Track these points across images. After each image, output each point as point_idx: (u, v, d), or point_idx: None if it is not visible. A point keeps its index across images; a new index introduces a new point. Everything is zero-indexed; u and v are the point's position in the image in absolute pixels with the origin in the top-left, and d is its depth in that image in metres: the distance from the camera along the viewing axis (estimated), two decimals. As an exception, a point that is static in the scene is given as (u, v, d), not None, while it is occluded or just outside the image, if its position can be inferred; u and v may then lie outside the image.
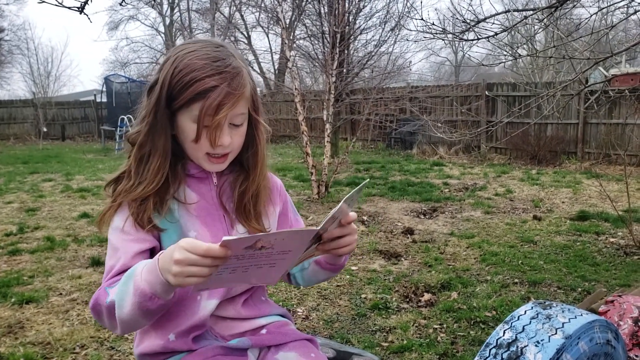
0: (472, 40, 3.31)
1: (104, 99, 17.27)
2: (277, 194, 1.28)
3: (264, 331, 1.22)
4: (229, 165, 1.15)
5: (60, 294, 3.62)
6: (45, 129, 17.28)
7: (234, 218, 1.17)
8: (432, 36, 3.35)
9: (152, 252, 1.09)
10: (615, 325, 2.23)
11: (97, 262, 4.23)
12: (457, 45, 29.92)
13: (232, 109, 1.04)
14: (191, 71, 1.02)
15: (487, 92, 11.57)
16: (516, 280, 3.82)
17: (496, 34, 3.19)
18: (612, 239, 4.89)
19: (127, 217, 1.07)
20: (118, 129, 14.17)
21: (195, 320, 1.12)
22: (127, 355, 2.74)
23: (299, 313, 3.27)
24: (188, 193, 1.14)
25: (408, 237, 5.00)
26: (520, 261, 4.25)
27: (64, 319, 3.20)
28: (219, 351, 1.12)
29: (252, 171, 1.17)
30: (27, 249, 4.66)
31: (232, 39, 16.91)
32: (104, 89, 16.86)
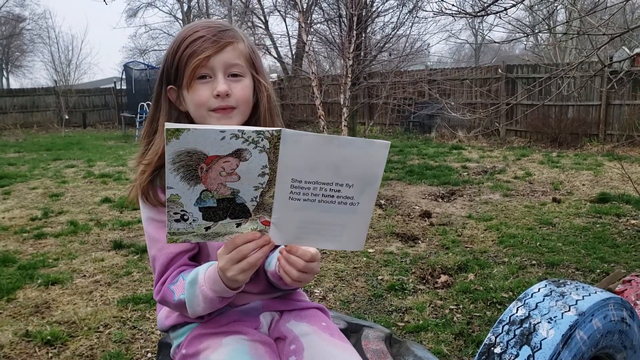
0: (482, 15, 3.26)
1: (124, 86, 17.46)
2: None
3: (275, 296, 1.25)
4: None
5: (84, 275, 3.72)
6: (67, 117, 17.55)
7: None
8: (447, 15, 3.31)
9: None
10: (632, 304, 2.21)
11: (118, 246, 4.33)
12: (476, 27, 29.38)
13: (220, 54, 1.07)
14: (185, 38, 1.08)
15: (500, 71, 11.37)
16: (534, 262, 3.81)
17: (506, 9, 3.15)
18: (633, 221, 4.82)
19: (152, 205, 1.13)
20: (138, 115, 14.32)
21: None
22: (148, 334, 2.82)
23: (316, 294, 3.31)
24: None
25: (425, 220, 5.00)
26: (538, 243, 4.22)
27: (88, 299, 3.30)
28: (233, 317, 1.16)
29: None
30: (51, 233, 4.79)
31: (249, 24, 16.88)
32: (124, 77, 17.03)
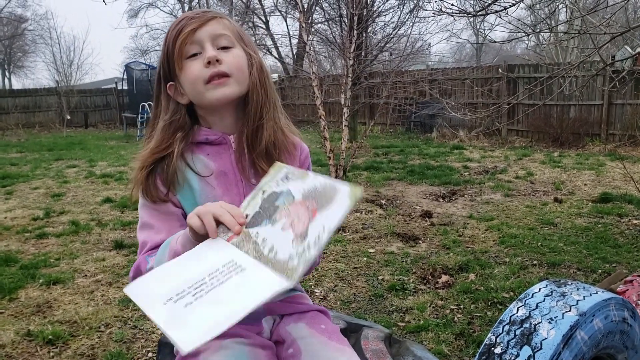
0: (482, 15, 3.26)
1: (125, 87, 17.48)
2: (297, 156, 1.24)
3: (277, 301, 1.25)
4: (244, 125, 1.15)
5: (86, 275, 3.73)
6: (68, 117, 17.56)
7: (254, 183, 1.16)
8: (447, 15, 3.31)
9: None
10: (634, 304, 2.21)
11: (120, 245, 4.33)
12: (477, 26, 29.36)
13: (205, 26, 1.09)
14: (172, 26, 1.12)
15: (501, 70, 11.36)
16: (535, 262, 3.80)
17: (506, 8, 3.14)
18: (635, 221, 4.82)
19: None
20: (139, 116, 14.33)
21: None
22: (149, 334, 2.82)
23: (316, 294, 3.31)
24: (205, 163, 1.15)
25: (426, 220, 5.00)
26: (539, 243, 4.22)
27: (89, 299, 3.30)
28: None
29: (252, 109, 1.13)
30: (53, 233, 4.80)
31: (250, 24, 16.89)
32: (125, 77, 17.05)
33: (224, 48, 1.10)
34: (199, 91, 1.10)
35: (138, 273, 1.10)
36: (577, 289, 1.67)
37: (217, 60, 1.07)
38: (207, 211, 0.94)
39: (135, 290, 0.90)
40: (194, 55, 1.09)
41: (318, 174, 0.94)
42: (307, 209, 0.89)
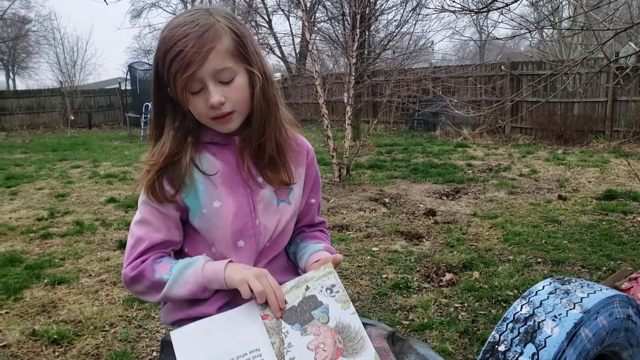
0: (484, 11, 3.26)
1: (129, 87, 17.50)
2: (304, 157, 1.25)
3: None
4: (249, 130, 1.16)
5: (90, 275, 3.74)
6: (72, 118, 17.60)
7: (260, 182, 1.17)
8: (450, 12, 3.31)
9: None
10: (638, 301, 2.20)
11: (124, 245, 4.31)
12: (481, 24, 29.29)
13: (204, 64, 1.03)
14: (167, 51, 1.03)
15: (504, 68, 11.32)
16: (539, 259, 3.79)
17: (508, 5, 3.14)
18: (639, 218, 4.80)
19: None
20: (143, 116, 14.36)
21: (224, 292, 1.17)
22: (154, 333, 2.83)
23: (320, 292, 3.32)
24: (211, 162, 1.15)
25: (430, 219, 4.99)
26: (543, 241, 4.20)
27: (94, 298, 3.31)
28: None
29: (256, 127, 1.13)
30: (57, 233, 4.82)
31: (253, 23, 16.89)
32: (128, 77, 17.08)
33: (227, 82, 1.07)
34: (205, 122, 1.12)
35: (141, 277, 1.11)
36: (581, 287, 1.67)
37: (221, 103, 1.07)
38: (262, 292, 1.02)
39: (181, 339, 0.95)
40: (197, 91, 1.07)
41: (356, 313, 0.98)
42: (334, 342, 0.94)
